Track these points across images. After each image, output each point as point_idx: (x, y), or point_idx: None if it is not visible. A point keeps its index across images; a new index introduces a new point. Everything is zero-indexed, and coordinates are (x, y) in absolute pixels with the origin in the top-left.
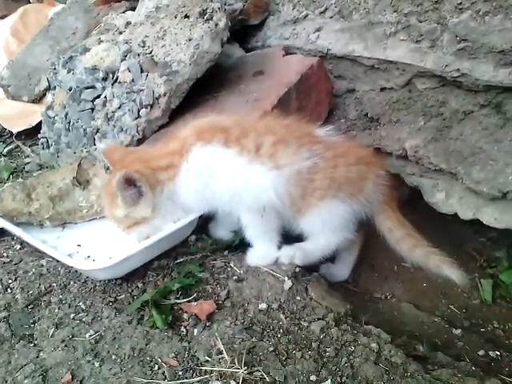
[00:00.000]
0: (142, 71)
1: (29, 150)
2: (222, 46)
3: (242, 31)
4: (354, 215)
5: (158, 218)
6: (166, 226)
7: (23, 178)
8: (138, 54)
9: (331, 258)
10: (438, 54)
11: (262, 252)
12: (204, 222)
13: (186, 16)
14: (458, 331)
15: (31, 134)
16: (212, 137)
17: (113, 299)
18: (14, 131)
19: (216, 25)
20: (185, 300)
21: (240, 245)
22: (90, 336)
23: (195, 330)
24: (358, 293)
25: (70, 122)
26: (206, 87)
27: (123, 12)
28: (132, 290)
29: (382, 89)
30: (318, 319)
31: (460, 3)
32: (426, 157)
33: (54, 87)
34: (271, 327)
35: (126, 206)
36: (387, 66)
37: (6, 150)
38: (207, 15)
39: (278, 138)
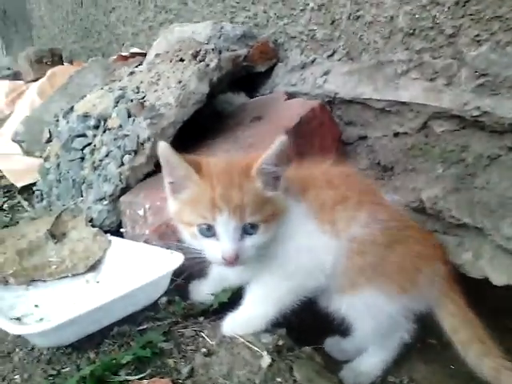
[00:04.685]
0: (129, 116)
1: (26, 203)
2: (211, 87)
3: (251, 80)
4: (404, 312)
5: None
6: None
7: None
8: (131, 100)
9: (341, 331)
10: (455, 92)
11: (247, 317)
12: (181, 282)
13: (181, 59)
14: None
15: None
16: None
17: (55, 372)
18: (18, 185)
19: (207, 65)
20: (137, 376)
21: (219, 310)
22: None
23: None
24: None
25: (61, 173)
26: (202, 135)
27: (136, 66)
28: (80, 362)
29: (396, 134)
30: None
31: (478, 35)
32: (446, 209)
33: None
34: None
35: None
36: (399, 107)
37: (6, 204)
38: (200, 57)
39: (337, 194)
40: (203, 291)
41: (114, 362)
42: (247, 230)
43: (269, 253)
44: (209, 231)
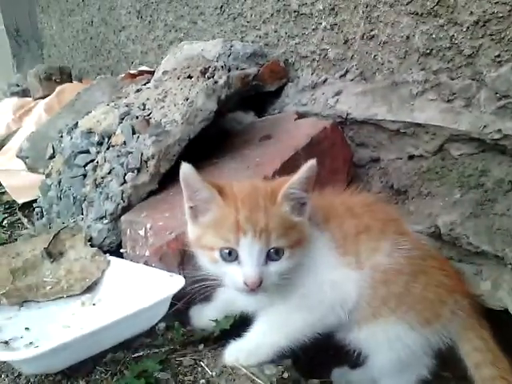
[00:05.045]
0: (134, 132)
1: (25, 220)
2: (220, 104)
3: (260, 100)
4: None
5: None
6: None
7: None
8: (137, 117)
9: (350, 362)
10: (474, 114)
11: (254, 346)
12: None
13: (189, 76)
14: None
15: None
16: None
17: None
18: (20, 202)
19: (215, 82)
20: None
21: (220, 338)
22: None
23: None
24: None
25: (62, 190)
26: (209, 154)
27: (144, 84)
28: None
29: (411, 157)
30: None
31: (498, 55)
32: (463, 236)
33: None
34: None
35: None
36: (415, 129)
37: (6, 220)
38: (208, 73)
39: (360, 224)
40: (206, 317)
41: None
42: (271, 255)
43: (289, 281)
44: (230, 256)
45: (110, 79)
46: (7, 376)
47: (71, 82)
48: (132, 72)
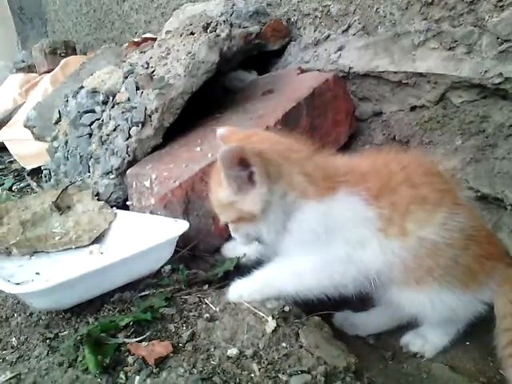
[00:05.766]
0: (137, 88)
1: (35, 184)
2: (222, 57)
3: (263, 60)
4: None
5: (265, 224)
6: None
7: None
8: (140, 74)
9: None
10: (475, 60)
11: (259, 284)
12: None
13: (192, 33)
14: None
15: None
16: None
17: (53, 336)
18: (28, 168)
19: (217, 36)
20: (136, 339)
21: (224, 278)
22: (6, 378)
23: (137, 378)
24: (378, 348)
25: (69, 150)
26: (211, 110)
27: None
28: (78, 326)
29: (412, 108)
30: (302, 372)
31: (500, 0)
32: (464, 180)
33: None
34: (237, 380)
35: (230, 189)
36: (416, 79)
37: (15, 186)
38: (210, 28)
39: (416, 194)
40: (235, 249)
41: (112, 324)
42: None
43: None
44: None
45: (115, 49)
46: (20, 315)
47: (76, 55)
48: (136, 40)
